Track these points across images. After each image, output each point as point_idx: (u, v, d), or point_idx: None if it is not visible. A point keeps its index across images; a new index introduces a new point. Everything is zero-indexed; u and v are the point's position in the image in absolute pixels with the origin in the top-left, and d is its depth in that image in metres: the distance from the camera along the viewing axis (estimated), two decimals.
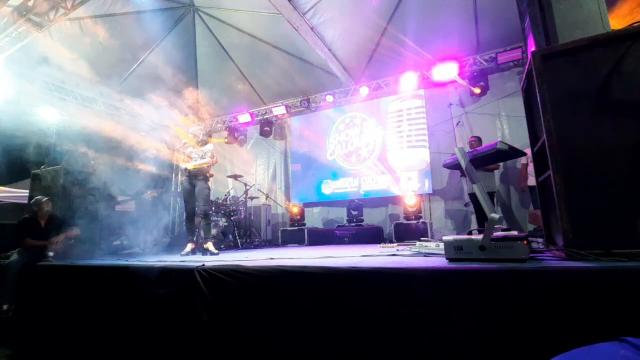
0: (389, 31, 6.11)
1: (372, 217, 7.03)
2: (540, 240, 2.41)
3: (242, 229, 6.57)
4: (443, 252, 1.87)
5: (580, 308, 1.27)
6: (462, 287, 1.48)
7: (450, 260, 1.82)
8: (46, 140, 6.45)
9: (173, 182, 8.85)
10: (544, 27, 2.28)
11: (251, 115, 8.35)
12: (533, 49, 2.45)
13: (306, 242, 6.69)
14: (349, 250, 3.76)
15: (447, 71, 6.14)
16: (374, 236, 6.16)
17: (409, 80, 6.54)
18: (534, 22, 2.44)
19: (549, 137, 1.70)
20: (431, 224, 6.05)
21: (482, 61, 6.08)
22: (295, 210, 7.22)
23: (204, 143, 4.22)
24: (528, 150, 2.39)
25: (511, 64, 5.96)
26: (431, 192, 6.56)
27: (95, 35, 5.94)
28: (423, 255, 2.38)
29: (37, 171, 4.72)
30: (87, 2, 4.77)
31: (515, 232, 1.73)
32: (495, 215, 1.67)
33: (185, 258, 3.50)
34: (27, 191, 4.78)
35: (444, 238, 1.88)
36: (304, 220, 7.26)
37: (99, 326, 2.64)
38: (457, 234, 4.13)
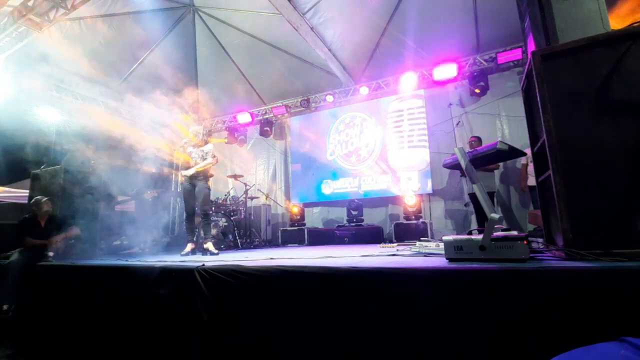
0: (389, 31, 6.11)
1: (372, 217, 7.03)
2: (540, 240, 2.41)
3: (242, 229, 6.57)
4: (443, 252, 1.87)
5: (580, 308, 1.27)
6: (462, 287, 1.48)
7: (450, 260, 1.82)
8: (46, 140, 6.45)
9: (173, 182, 8.85)
10: (544, 27, 2.28)
11: (251, 115, 8.35)
12: (533, 49, 2.45)
13: (306, 242, 6.69)
14: (349, 250, 3.76)
15: (447, 71, 6.14)
16: (374, 236, 6.16)
17: (409, 80, 6.54)
18: (534, 22, 2.45)
19: (549, 137, 1.71)
20: (431, 224, 6.05)
21: (482, 61, 6.08)
22: (295, 210, 7.22)
23: (204, 143, 4.22)
24: (528, 150, 2.39)
25: (511, 64, 5.96)
26: (431, 192, 6.56)
27: (96, 35, 5.94)
28: (423, 255, 2.38)
29: (37, 171, 4.72)
30: (87, 2, 4.77)
31: (515, 232, 1.73)
32: (495, 215, 1.67)
33: (185, 258, 3.50)
34: (27, 191, 4.77)
35: (444, 238, 1.88)
36: (304, 220, 7.26)
37: (99, 326, 2.64)
38: (457, 234, 4.13)
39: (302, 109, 7.98)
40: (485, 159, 2.15)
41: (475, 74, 6.09)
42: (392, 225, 6.21)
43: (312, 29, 5.68)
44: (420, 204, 6.42)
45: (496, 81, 6.15)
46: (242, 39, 6.70)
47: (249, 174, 8.55)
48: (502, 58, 5.82)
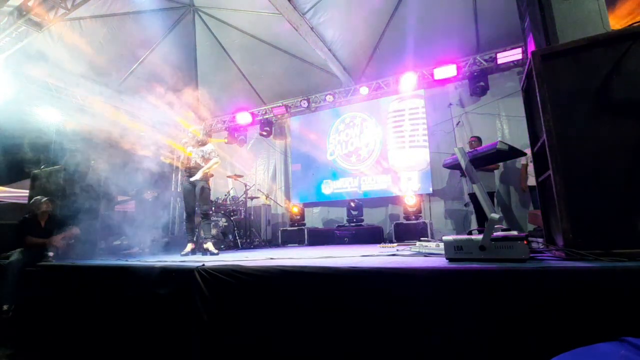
0: (389, 31, 6.11)
1: (372, 217, 7.03)
2: (540, 240, 2.41)
3: (242, 229, 6.57)
4: (443, 252, 1.87)
5: (580, 308, 1.27)
6: (462, 287, 1.48)
7: (450, 260, 1.82)
8: (46, 140, 6.44)
9: (173, 182, 8.85)
10: (544, 27, 2.28)
11: (251, 115, 8.35)
12: (533, 49, 2.45)
13: (306, 242, 6.69)
14: (349, 250, 3.76)
15: (447, 71, 6.14)
16: (374, 236, 6.16)
17: (409, 80, 6.54)
18: (534, 22, 2.45)
19: (549, 137, 1.70)
20: (431, 224, 6.05)
21: (482, 61, 6.08)
22: (295, 210, 7.22)
23: (203, 143, 4.22)
24: (528, 150, 2.39)
25: (511, 64, 5.96)
26: (431, 192, 6.56)
27: (95, 35, 5.94)
28: (423, 255, 2.38)
29: (37, 171, 4.72)
30: (87, 2, 4.77)
31: (515, 232, 1.73)
32: (495, 215, 1.67)
33: (185, 258, 3.50)
34: (27, 191, 4.77)
35: (444, 238, 1.88)
36: (304, 220, 7.26)
37: (99, 326, 2.64)
38: (457, 234, 4.13)
39: (302, 109, 7.98)
40: (485, 159, 2.15)
41: (475, 74, 6.09)
42: (392, 225, 6.21)
43: (312, 29, 5.68)
44: (420, 204, 6.42)
45: (496, 81, 6.15)
46: (242, 39, 6.70)
47: (249, 174, 8.55)
48: (502, 58, 5.82)
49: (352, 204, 6.71)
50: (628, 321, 1.19)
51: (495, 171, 5.50)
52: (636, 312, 1.19)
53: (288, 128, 8.53)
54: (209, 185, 4.21)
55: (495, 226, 1.71)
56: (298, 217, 7.19)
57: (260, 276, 1.97)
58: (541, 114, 1.74)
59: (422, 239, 2.89)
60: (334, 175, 7.64)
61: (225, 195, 6.97)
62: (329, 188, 7.66)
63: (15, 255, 3.62)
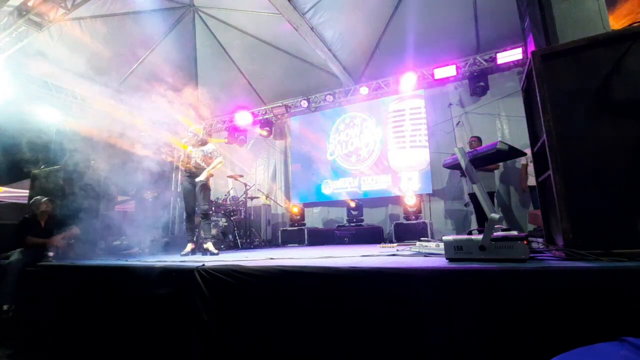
0: (389, 31, 6.11)
1: (372, 217, 7.03)
2: (540, 240, 2.41)
3: (242, 229, 6.57)
4: (443, 252, 1.87)
5: (580, 308, 1.27)
6: (462, 287, 1.48)
7: (450, 260, 1.82)
8: (45, 140, 6.44)
9: (173, 182, 8.84)
10: (544, 27, 2.28)
11: (251, 115, 8.35)
12: (533, 49, 2.45)
13: (306, 242, 6.69)
14: (349, 250, 3.76)
15: (447, 71, 6.14)
16: (374, 236, 6.16)
17: (409, 80, 6.54)
18: (534, 22, 2.45)
19: (549, 137, 1.71)
20: (431, 224, 6.05)
21: (482, 61, 6.08)
22: (295, 210, 7.22)
23: (204, 142, 4.22)
24: (528, 150, 2.39)
25: (511, 64, 5.96)
26: (431, 192, 6.56)
27: (96, 35, 5.94)
28: (423, 255, 2.38)
29: (37, 171, 4.72)
30: (87, 2, 4.77)
31: (515, 232, 1.73)
32: (495, 215, 1.67)
33: (185, 258, 3.50)
34: (27, 191, 4.77)
35: (444, 238, 1.88)
36: (304, 220, 7.26)
37: (99, 326, 2.64)
38: (457, 234, 4.13)
39: (302, 109, 7.98)
40: (485, 159, 2.15)
41: (475, 74, 6.09)
42: (392, 225, 6.21)
43: (312, 29, 5.68)
44: (420, 204, 6.42)
45: (496, 81, 6.15)
46: (242, 39, 6.70)
47: (249, 174, 8.55)
48: (502, 58, 5.82)
49: (352, 204, 6.71)
50: (628, 321, 1.19)
51: (495, 171, 5.50)
52: (636, 312, 1.19)
53: (288, 128, 8.53)
54: (209, 185, 4.20)
55: (495, 226, 1.71)
56: (298, 217, 7.19)
57: (260, 276, 1.97)
58: (541, 114, 1.74)
59: (422, 239, 2.89)
60: (334, 175, 7.64)
61: (225, 195, 6.97)
62: (329, 188, 7.66)
63: (15, 255, 3.62)
